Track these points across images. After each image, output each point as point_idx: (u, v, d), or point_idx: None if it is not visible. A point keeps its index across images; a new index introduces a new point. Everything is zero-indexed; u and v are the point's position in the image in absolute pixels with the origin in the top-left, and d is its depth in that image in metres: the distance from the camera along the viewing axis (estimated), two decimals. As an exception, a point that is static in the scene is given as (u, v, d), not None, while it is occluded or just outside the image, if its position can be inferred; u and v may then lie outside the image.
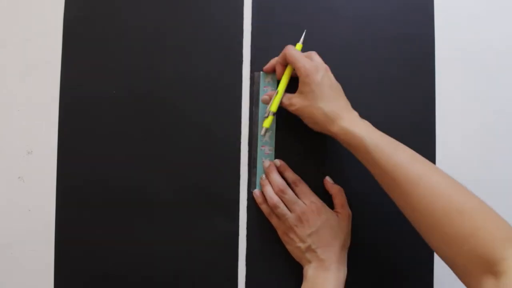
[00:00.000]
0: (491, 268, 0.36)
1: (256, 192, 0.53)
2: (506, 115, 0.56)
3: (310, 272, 0.50)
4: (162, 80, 0.55)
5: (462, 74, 0.56)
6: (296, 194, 0.52)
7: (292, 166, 0.53)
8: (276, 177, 0.52)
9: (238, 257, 0.54)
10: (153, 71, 0.55)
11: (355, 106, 0.48)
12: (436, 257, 0.54)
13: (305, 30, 0.53)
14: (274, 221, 0.53)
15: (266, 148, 0.54)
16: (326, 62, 0.49)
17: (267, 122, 0.51)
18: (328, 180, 0.53)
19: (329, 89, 0.47)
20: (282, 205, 0.51)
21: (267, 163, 0.53)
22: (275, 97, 0.51)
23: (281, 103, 0.51)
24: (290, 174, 0.53)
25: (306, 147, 0.54)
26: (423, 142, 0.55)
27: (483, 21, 0.57)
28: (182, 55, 0.55)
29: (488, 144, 0.56)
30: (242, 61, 0.55)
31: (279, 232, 0.53)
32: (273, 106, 0.51)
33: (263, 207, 0.53)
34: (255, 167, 0.54)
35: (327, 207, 0.51)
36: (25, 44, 0.56)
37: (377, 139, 0.44)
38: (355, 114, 0.47)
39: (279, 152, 0.54)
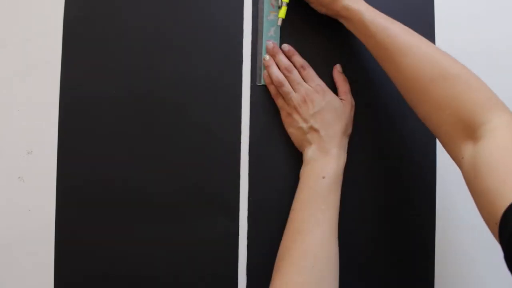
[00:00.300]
0: (472, 133, 0.38)
1: (265, 73, 0.54)
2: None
3: (310, 153, 0.50)
4: (162, 80, 0.55)
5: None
6: (302, 78, 0.53)
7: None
8: (282, 57, 0.53)
9: (238, 257, 0.54)
10: (153, 71, 0.55)
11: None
12: (437, 257, 0.54)
13: None
14: (279, 101, 0.53)
15: (270, 42, 0.54)
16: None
17: (282, 13, 0.52)
18: (337, 67, 0.54)
19: None
20: (287, 83, 0.52)
21: (271, 44, 0.54)
22: None
23: None
24: (298, 58, 0.53)
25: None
26: (423, 142, 0.55)
27: (483, 21, 0.57)
28: (182, 55, 0.55)
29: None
30: (242, 61, 0.55)
31: (283, 114, 0.53)
32: None
33: (271, 88, 0.54)
34: (260, 59, 0.55)
35: (331, 92, 0.52)
36: (25, 44, 0.56)
37: (374, 14, 0.46)
38: None
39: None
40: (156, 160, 0.54)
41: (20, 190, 0.55)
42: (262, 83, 0.55)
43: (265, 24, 0.55)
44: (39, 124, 0.55)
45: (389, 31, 0.44)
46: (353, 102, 0.53)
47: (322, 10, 0.51)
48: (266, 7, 0.55)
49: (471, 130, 0.39)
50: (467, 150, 0.39)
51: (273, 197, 0.54)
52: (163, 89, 0.55)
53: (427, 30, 0.56)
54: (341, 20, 0.50)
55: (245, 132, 0.55)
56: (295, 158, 0.54)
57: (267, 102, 0.55)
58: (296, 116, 0.52)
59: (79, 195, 0.54)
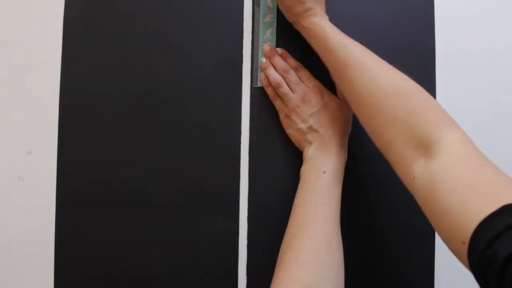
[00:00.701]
0: (424, 150, 0.38)
1: (261, 75, 0.54)
2: (507, 114, 0.56)
3: (311, 152, 0.50)
4: (162, 80, 0.55)
5: (462, 75, 0.56)
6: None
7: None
8: (278, 59, 0.53)
9: (238, 257, 0.54)
10: (153, 71, 0.55)
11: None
12: (437, 258, 0.54)
13: None
14: (277, 103, 0.54)
15: (266, 44, 0.54)
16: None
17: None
18: None
19: None
20: (285, 85, 0.52)
21: (267, 47, 0.54)
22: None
23: None
24: (292, 61, 0.54)
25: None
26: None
27: (483, 21, 0.56)
28: (182, 55, 0.55)
29: (488, 144, 0.56)
30: (242, 61, 0.55)
31: (281, 116, 0.54)
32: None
33: (269, 90, 0.54)
34: (256, 62, 0.55)
35: (329, 91, 0.52)
36: (25, 44, 0.56)
37: (337, 32, 0.47)
38: (326, 16, 0.49)
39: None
40: (156, 160, 0.54)
41: (20, 190, 0.55)
42: (259, 85, 0.55)
43: (261, 26, 0.55)
44: (39, 124, 0.55)
45: (349, 48, 0.45)
46: None
47: (290, 19, 0.51)
48: (262, 9, 0.55)
49: (423, 148, 0.38)
50: (419, 168, 0.38)
51: (273, 197, 0.54)
52: (163, 89, 0.55)
53: (427, 30, 0.56)
54: (303, 33, 0.50)
55: (245, 132, 0.55)
56: (295, 158, 0.54)
57: (267, 102, 0.55)
58: (295, 117, 0.52)
59: (79, 195, 0.54)
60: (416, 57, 0.55)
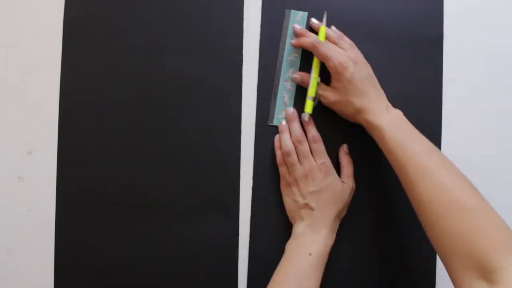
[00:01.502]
0: (486, 274, 0.36)
1: (276, 137, 0.54)
2: None
3: (300, 229, 0.50)
4: (162, 80, 0.55)
5: (471, 74, 0.56)
6: (311, 151, 0.52)
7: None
8: (296, 126, 0.53)
9: (238, 257, 0.54)
10: (153, 71, 0.55)
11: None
12: (438, 262, 0.54)
13: (325, 12, 0.53)
14: (282, 169, 0.53)
15: (288, 83, 0.54)
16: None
17: (309, 108, 0.52)
18: (344, 148, 0.54)
19: (360, 83, 0.49)
20: (294, 155, 0.51)
21: (291, 110, 0.53)
22: (312, 82, 0.52)
23: (319, 96, 0.52)
24: (313, 130, 0.53)
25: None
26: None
27: (489, 21, 0.57)
28: (182, 55, 0.55)
29: (493, 143, 0.56)
30: (242, 61, 0.55)
31: (282, 182, 0.53)
32: (311, 91, 0.52)
33: (278, 153, 0.53)
34: (275, 100, 0.54)
35: (335, 173, 0.52)
36: (25, 44, 0.56)
37: (396, 129, 0.46)
38: (383, 105, 0.49)
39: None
40: (156, 160, 0.54)
41: (20, 190, 0.55)
42: (274, 123, 0.54)
43: (284, 65, 0.54)
44: (39, 124, 0.55)
45: (407, 151, 0.44)
46: (354, 186, 0.53)
47: (347, 119, 0.52)
48: (288, 47, 0.54)
49: (485, 271, 0.36)
50: None
51: (274, 197, 0.54)
52: (163, 89, 0.55)
53: (436, 29, 0.55)
54: (365, 128, 0.50)
55: (245, 132, 0.55)
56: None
57: (267, 102, 0.55)
58: (295, 189, 0.51)
59: (79, 195, 0.54)
60: (424, 55, 0.55)
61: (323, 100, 0.52)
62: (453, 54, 0.56)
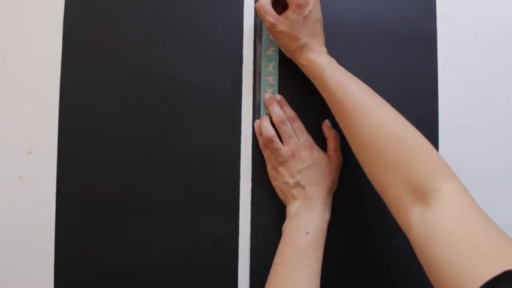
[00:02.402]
0: (421, 199, 0.38)
1: (256, 123, 0.54)
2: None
3: (294, 209, 0.50)
4: (162, 80, 0.55)
5: (466, 70, 0.56)
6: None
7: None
8: (276, 108, 0.53)
9: (239, 257, 0.54)
10: (153, 71, 0.55)
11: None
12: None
13: None
14: (266, 153, 0.53)
15: (269, 78, 0.54)
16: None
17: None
18: (327, 123, 0.54)
19: (313, 24, 0.48)
20: (277, 139, 0.51)
21: (268, 94, 0.54)
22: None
23: (268, 22, 0.49)
24: (289, 110, 0.53)
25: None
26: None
27: (483, 15, 0.57)
28: (182, 55, 0.55)
29: (491, 139, 0.56)
30: (242, 61, 0.55)
31: (269, 167, 0.53)
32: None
33: (260, 139, 0.54)
34: (259, 97, 0.54)
35: (319, 148, 0.52)
36: (25, 44, 0.56)
37: (334, 70, 0.47)
38: (324, 49, 0.49)
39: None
40: (156, 160, 0.54)
41: (20, 190, 0.55)
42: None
43: (263, 60, 0.54)
44: (39, 124, 0.55)
45: (347, 88, 0.45)
46: (341, 159, 0.53)
47: (288, 55, 0.52)
48: (264, 42, 0.54)
49: (420, 195, 0.39)
50: (415, 215, 0.38)
51: (274, 197, 0.54)
52: (163, 89, 0.55)
53: (429, 25, 0.56)
54: (302, 69, 0.50)
55: (245, 132, 0.55)
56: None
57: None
58: (283, 170, 0.51)
59: (79, 195, 0.54)
60: (418, 54, 0.55)
61: (273, 29, 0.49)
62: (448, 52, 0.56)
